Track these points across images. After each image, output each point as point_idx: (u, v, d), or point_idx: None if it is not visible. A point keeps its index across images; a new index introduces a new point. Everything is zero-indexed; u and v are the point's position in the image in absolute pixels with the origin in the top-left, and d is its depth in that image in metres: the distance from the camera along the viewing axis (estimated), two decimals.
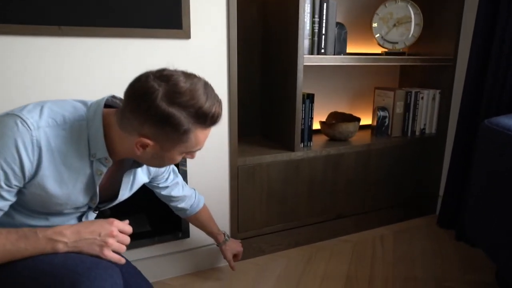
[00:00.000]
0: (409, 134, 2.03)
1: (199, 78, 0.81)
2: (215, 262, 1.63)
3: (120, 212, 1.65)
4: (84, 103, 0.86)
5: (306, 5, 1.57)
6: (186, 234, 1.52)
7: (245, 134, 1.94)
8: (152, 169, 1.05)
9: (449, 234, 1.95)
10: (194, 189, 1.34)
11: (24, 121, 0.75)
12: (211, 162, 1.52)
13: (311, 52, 1.65)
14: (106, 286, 0.73)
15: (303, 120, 1.71)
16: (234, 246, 1.49)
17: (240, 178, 1.58)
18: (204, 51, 1.40)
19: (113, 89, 1.31)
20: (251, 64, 1.90)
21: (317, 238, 1.84)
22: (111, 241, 0.80)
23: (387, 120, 2.00)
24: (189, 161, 1.47)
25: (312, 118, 1.74)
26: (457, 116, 1.94)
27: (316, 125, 2.03)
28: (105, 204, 0.96)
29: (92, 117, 0.82)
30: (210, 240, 1.56)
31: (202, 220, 1.37)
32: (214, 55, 1.43)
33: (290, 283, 1.52)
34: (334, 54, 1.70)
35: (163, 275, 1.54)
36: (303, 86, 1.61)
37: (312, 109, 1.73)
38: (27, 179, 0.78)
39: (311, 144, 1.77)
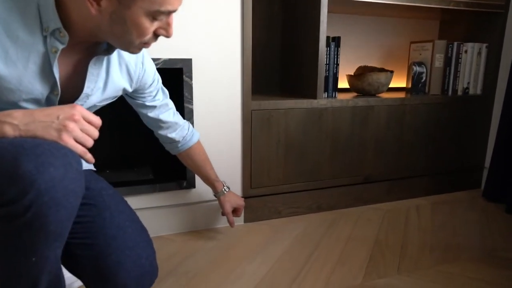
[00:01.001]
0: (449, 92, 1.78)
1: None
2: (224, 220, 1.44)
3: (125, 163, 1.51)
4: None
5: None
6: (191, 183, 1.35)
7: (263, 90, 1.76)
8: (134, 73, 0.88)
9: (497, 207, 1.68)
10: (188, 122, 1.17)
11: None
12: (221, 103, 1.35)
13: None
14: (55, 164, 0.57)
15: (327, 66, 1.51)
16: (235, 198, 1.30)
17: (253, 124, 1.40)
18: None
19: None
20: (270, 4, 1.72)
21: (342, 203, 1.63)
22: (72, 125, 0.63)
23: (424, 76, 1.77)
24: (196, 99, 1.31)
25: (338, 64, 1.53)
26: (508, 74, 1.68)
27: (342, 84, 1.82)
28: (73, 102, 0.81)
29: None
30: None
31: (196, 160, 1.19)
32: None
33: (308, 244, 1.32)
34: None
35: (165, 229, 1.37)
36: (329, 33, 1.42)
37: (338, 55, 1.53)
38: None
39: (336, 95, 1.57)
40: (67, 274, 1.09)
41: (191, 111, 1.30)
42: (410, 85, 1.80)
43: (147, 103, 1.00)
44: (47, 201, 0.57)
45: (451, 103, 1.73)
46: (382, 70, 1.70)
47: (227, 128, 1.38)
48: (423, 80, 1.77)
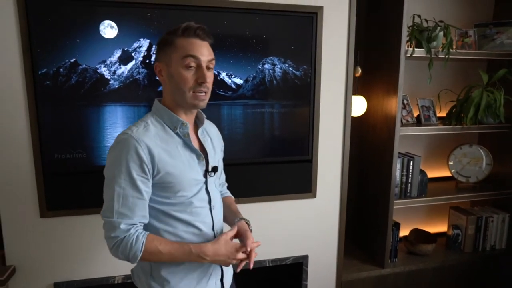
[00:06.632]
0: (479, 249, 2.44)
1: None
2: None
3: None
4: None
5: (397, 163, 2.13)
6: None
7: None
8: (217, 145, 1.27)
9: None
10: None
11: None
12: (322, 278, 2.11)
13: (399, 197, 2.19)
14: None
15: (391, 243, 2.24)
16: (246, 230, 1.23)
17: None
18: (325, 206, 2.03)
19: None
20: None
21: None
22: (229, 265, 1.17)
23: (460, 237, 2.45)
24: (309, 280, 2.08)
25: (398, 241, 2.26)
26: None
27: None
28: (211, 171, 1.16)
29: (155, 108, 1.11)
30: None
31: (227, 203, 1.37)
32: (332, 209, 2.05)
33: None
34: (417, 197, 2.22)
35: None
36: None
37: (398, 234, 2.25)
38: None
39: (396, 260, 2.29)
40: None
41: (306, 285, 2.08)
42: (451, 237, 2.47)
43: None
44: None
45: (481, 259, 2.40)
46: (429, 237, 2.40)
47: None
48: (459, 241, 2.45)
